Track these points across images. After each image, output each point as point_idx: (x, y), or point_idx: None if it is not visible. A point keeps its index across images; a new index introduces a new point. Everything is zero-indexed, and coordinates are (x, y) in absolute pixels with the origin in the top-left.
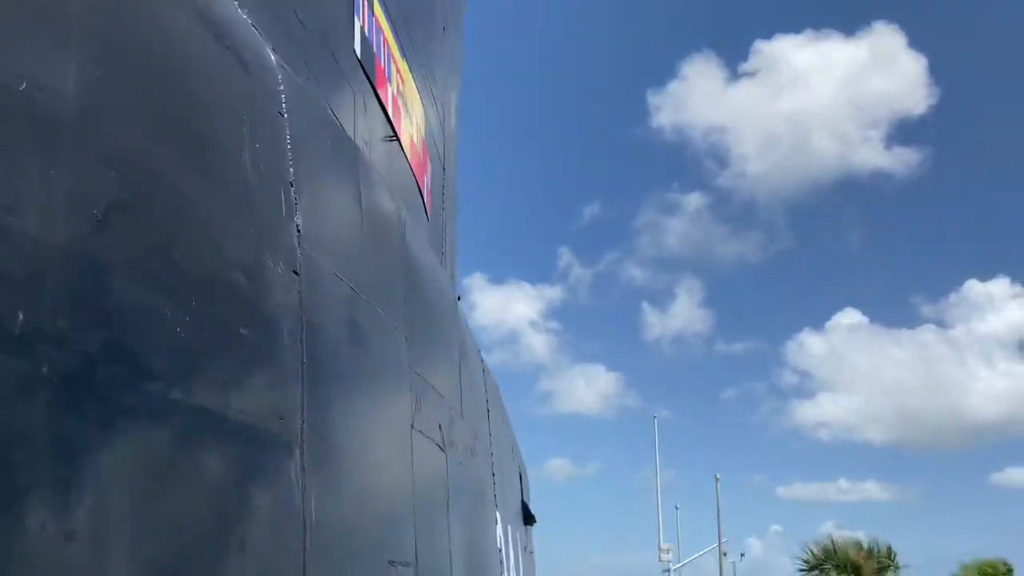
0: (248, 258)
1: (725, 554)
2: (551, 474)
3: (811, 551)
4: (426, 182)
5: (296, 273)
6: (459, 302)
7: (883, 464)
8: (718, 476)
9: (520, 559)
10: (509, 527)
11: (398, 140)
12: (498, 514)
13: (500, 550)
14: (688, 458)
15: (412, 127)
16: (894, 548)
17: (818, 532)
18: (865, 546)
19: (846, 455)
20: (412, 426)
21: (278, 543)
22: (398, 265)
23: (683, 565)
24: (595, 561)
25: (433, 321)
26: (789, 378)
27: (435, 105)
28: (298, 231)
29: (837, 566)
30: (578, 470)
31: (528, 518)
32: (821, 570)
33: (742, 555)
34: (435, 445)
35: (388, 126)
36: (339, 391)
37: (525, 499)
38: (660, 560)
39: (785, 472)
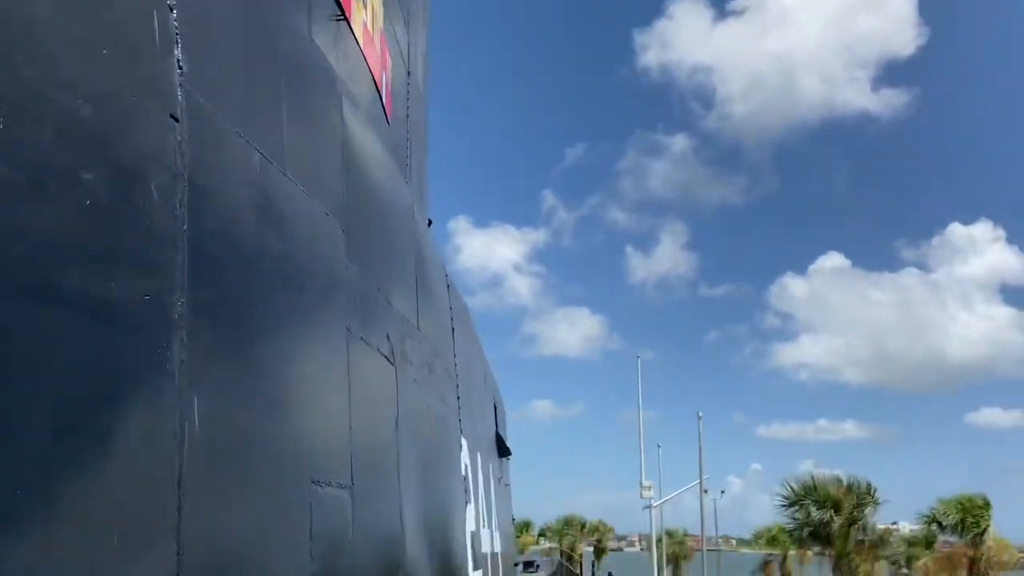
0: (104, 92)
1: (706, 491)
2: (535, 415)
3: (791, 488)
4: (385, 81)
5: (175, 119)
6: (429, 228)
7: (862, 405)
8: (700, 414)
9: (493, 490)
10: (479, 456)
11: (347, 21)
12: (464, 440)
13: (465, 478)
14: (670, 399)
15: (367, 14)
16: (874, 485)
17: (797, 470)
18: (845, 483)
19: (826, 396)
20: (349, 330)
21: (143, 450)
22: (332, 140)
23: (664, 502)
24: (579, 499)
25: (383, 219)
26: (771, 321)
27: (397, 4)
28: (179, 67)
29: (817, 502)
30: (562, 411)
31: (503, 450)
32: (801, 506)
33: (722, 492)
34: (382, 356)
35: (333, 2)
36: (241, 274)
37: (500, 431)
38: (642, 497)
39: (766, 412)
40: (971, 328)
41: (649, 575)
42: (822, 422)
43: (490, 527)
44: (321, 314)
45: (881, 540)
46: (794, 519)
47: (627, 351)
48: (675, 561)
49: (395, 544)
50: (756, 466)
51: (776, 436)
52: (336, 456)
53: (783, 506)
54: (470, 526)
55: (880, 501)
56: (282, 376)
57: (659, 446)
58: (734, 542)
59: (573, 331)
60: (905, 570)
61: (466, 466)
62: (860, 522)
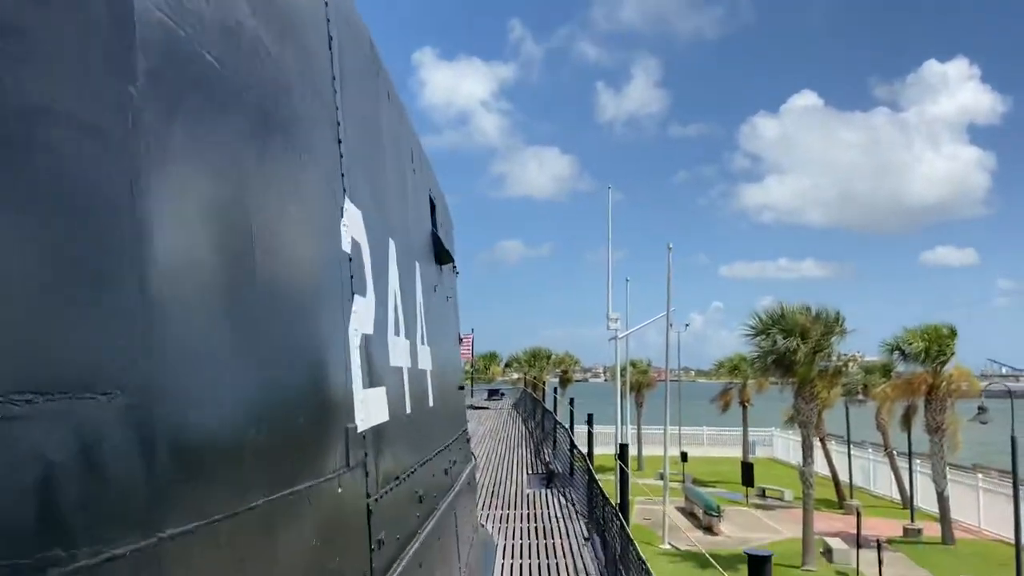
0: None
1: (670, 325)
2: (504, 255)
3: (759, 317)
4: None
5: None
6: None
7: (822, 244)
8: (670, 246)
9: (422, 296)
10: (393, 245)
11: None
12: (353, 209)
13: (352, 260)
14: (637, 240)
15: None
16: (842, 314)
17: (756, 307)
18: (813, 312)
19: (788, 236)
20: None
21: None
22: None
23: (630, 333)
24: (546, 334)
25: None
26: (740, 162)
27: None
28: None
29: (784, 331)
30: (531, 251)
31: (443, 256)
32: (767, 335)
33: (686, 326)
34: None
35: None
36: None
37: (441, 234)
38: (608, 328)
39: (728, 252)
40: (935, 168)
41: (613, 402)
42: (783, 261)
43: (413, 338)
44: None
45: (845, 367)
46: (760, 348)
47: (597, 192)
48: (638, 389)
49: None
50: (717, 304)
51: (738, 275)
52: None
53: (749, 335)
54: (359, 327)
55: (847, 331)
56: None
57: (627, 280)
58: (693, 373)
59: (542, 171)
60: (860, 396)
61: (356, 245)
62: (826, 350)
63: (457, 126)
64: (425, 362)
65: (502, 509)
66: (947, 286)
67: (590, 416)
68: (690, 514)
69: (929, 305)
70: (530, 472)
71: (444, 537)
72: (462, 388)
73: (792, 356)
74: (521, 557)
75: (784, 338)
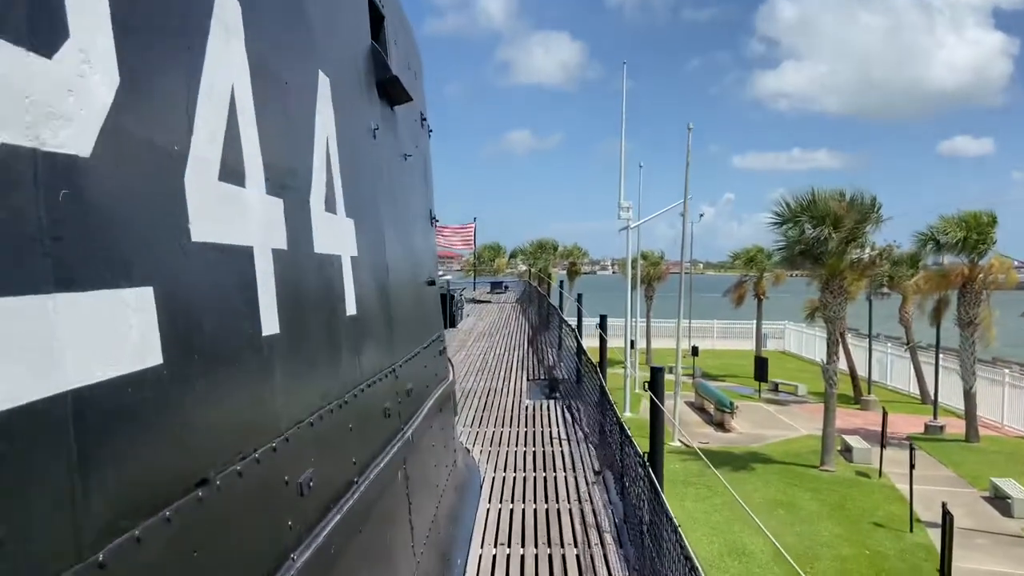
0: None
1: (684, 214)
2: (513, 146)
3: (785, 204)
4: None
5: None
6: None
7: (837, 134)
8: (690, 126)
9: (353, 142)
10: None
11: None
12: None
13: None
14: (647, 133)
15: None
16: (879, 200)
17: (768, 199)
18: (847, 197)
19: (803, 125)
20: None
21: None
22: None
23: (643, 223)
24: (555, 227)
25: None
26: (755, 47)
27: None
28: None
29: (814, 217)
30: (539, 142)
31: (394, 92)
32: (796, 223)
33: (701, 215)
34: None
35: None
36: None
37: (396, 69)
38: (619, 218)
39: (741, 143)
40: (957, 54)
41: (622, 294)
42: (796, 152)
43: (302, 199)
44: None
45: (881, 257)
46: (785, 237)
47: (606, 79)
48: (648, 282)
49: None
50: (729, 195)
51: (750, 166)
52: None
53: (775, 223)
54: (204, 173)
55: (883, 218)
56: None
57: (641, 166)
58: (701, 265)
59: (550, 57)
60: (885, 289)
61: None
62: (859, 240)
63: (460, 8)
64: (348, 241)
65: (495, 427)
66: (963, 177)
67: (602, 318)
68: (700, 409)
69: (943, 196)
70: (530, 378)
71: (397, 485)
72: (433, 283)
73: (823, 246)
74: (512, 501)
75: (814, 227)
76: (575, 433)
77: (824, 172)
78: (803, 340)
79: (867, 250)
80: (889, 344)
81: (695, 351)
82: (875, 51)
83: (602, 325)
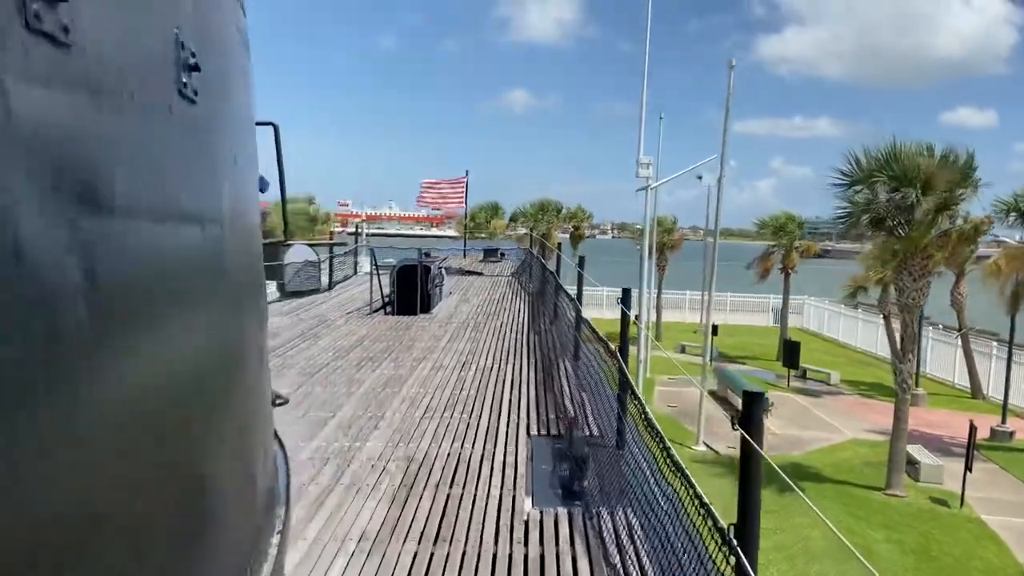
0: None
1: (699, 177)
2: (510, 105)
3: (854, 159)
4: None
5: None
6: None
7: (838, 101)
8: (733, 62)
9: None
10: None
11: None
12: None
13: None
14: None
15: None
16: (976, 158)
17: (766, 167)
18: (939, 153)
19: (803, 91)
20: None
21: None
22: None
23: (666, 181)
24: (554, 189)
25: None
26: (757, 10)
27: None
28: None
29: (895, 177)
30: (537, 101)
31: None
32: (870, 184)
33: (719, 178)
34: None
35: None
36: None
37: None
38: (638, 176)
39: (741, 108)
40: (964, 22)
41: (623, 260)
42: (797, 119)
43: None
44: None
45: (976, 231)
46: (851, 203)
47: (603, 39)
48: (660, 251)
49: None
50: (732, 163)
51: (749, 131)
52: None
53: (841, 186)
54: None
55: (981, 183)
56: None
57: (661, 117)
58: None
59: (546, 14)
60: (941, 268)
61: None
62: (953, 208)
63: None
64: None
65: None
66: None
67: (625, 292)
68: (721, 399)
69: None
70: (532, 433)
71: None
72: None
73: (906, 214)
74: None
75: (893, 189)
76: None
77: (822, 141)
78: (824, 317)
79: (958, 220)
80: (931, 329)
81: (715, 330)
82: (878, 16)
83: (624, 301)
